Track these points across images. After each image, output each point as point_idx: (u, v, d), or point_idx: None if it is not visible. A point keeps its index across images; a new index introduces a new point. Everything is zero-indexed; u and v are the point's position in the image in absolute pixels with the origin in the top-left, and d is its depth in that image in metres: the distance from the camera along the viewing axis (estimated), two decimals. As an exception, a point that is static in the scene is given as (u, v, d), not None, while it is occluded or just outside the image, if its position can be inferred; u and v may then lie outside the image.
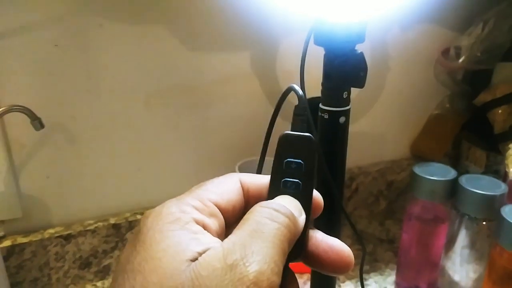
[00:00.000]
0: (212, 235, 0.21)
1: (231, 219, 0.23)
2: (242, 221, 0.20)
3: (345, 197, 0.73)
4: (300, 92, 0.24)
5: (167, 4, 0.55)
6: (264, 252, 0.19)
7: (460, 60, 0.68)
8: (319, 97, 0.39)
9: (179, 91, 0.59)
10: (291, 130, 0.24)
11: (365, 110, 0.73)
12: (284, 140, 0.23)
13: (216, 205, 0.22)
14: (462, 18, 0.71)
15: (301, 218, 0.22)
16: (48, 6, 0.50)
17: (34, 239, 0.55)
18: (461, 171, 0.73)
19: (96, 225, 0.58)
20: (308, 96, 0.39)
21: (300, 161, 0.23)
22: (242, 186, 0.24)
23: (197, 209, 0.21)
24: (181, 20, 0.56)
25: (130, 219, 0.59)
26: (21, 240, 0.55)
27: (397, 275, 0.61)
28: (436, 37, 0.72)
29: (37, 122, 0.50)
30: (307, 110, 0.25)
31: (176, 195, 0.22)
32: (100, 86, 0.55)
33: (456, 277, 0.55)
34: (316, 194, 0.24)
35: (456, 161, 0.77)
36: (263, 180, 0.24)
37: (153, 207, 0.21)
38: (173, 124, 0.61)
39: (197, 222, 0.20)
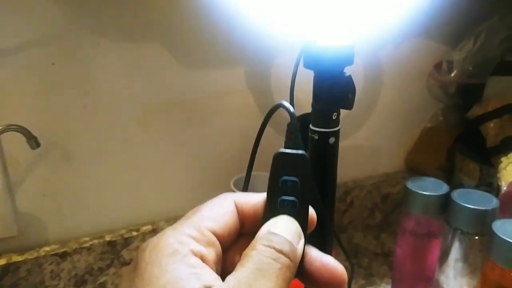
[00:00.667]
0: (210, 266, 0.21)
1: (227, 243, 0.23)
2: (244, 257, 0.21)
3: (340, 211, 0.73)
4: (292, 109, 0.24)
5: (162, 22, 0.56)
6: None
7: (452, 74, 0.69)
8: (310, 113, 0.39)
9: (175, 106, 0.60)
10: (285, 147, 0.24)
11: (360, 124, 0.73)
12: (279, 158, 0.23)
13: (213, 232, 0.22)
14: (454, 33, 0.73)
15: (300, 244, 0.22)
16: (45, 25, 0.51)
17: (30, 257, 0.55)
18: (455, 183, 0.74)
19: (91, 242, 0.58)
20: (300, 112, 0.40)
21: (295, 179, 0.23)
22: (236, 207, 0.24)
23: (194, 239, 0.21)
24: (176, 38, 0.57)
25: (125, 236, 0.59)
26: (16, 258, 0.55)
27: (392, 289, 0.61)
28: (429, 52, 0.73)
29: (33, 141, 0.50)
30: (297, 129, 0.24)
31: (171, 211, 0.22)
32: (96, 104, 0.56)
33: (450, 291, 0.55)
34: (310, 210, 0.24)
35: (450, 173, 0.78)
36: (257, 198, 0.24)
37: (149, 223, 0.21)
38: (169, 140, 0.61)
39: (195, 254, 0.21)
